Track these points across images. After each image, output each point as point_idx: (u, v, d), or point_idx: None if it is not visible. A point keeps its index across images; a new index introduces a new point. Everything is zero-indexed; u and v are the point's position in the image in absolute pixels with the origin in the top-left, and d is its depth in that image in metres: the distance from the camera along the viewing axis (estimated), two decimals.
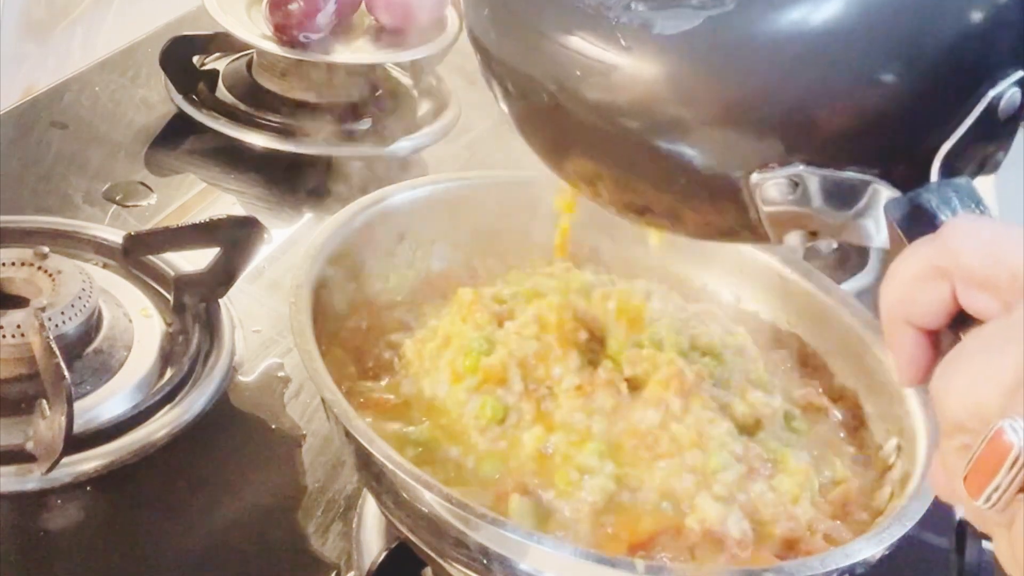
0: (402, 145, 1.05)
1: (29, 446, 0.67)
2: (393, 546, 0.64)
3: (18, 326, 0.70)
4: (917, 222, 0.45)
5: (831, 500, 0.60)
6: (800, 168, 0.47)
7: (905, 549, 0.54)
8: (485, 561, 0.53)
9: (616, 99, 0.49)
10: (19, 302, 0.74)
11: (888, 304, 0.42)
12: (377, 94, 1.10)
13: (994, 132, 0.47)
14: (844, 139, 0.47)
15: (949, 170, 0.46)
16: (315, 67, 1.07)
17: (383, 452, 0.53)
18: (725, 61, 0.47)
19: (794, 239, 0.50)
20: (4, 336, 0.70)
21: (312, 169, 1.02)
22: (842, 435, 0.66)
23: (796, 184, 0.47)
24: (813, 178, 0.47)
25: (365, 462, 0.56)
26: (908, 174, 0.46)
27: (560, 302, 0.63)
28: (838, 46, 0.45)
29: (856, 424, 0.66)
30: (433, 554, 0.57)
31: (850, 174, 0.47)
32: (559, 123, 0.52)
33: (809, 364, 0.70)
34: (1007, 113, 0.46)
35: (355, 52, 1.07)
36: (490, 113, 1.13)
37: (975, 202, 0.45)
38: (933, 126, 0.46)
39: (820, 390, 0.68)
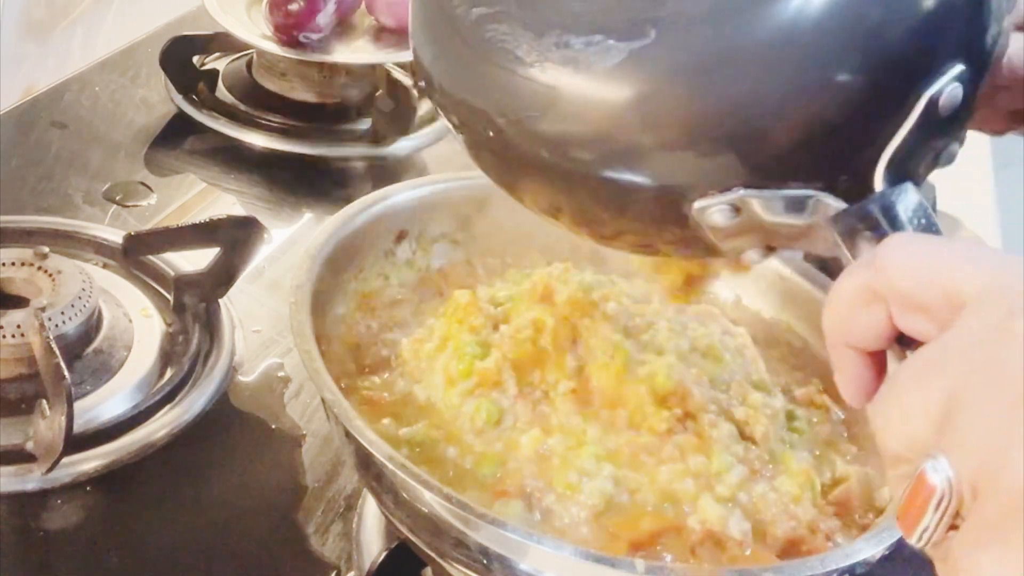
0: (402, 145, 1.05)
1: (29, 446, 0.67)
2: (393, 546, 0.64)
3: (18, 326, 0.70)
4: (859, 236, 0.44)
5: (833, 500, 0.60)
6: (740, 192, 0.46)
7: (905, 549, 0.54)
8: (485, 561, 0.53)
9: (546, 132, 0.48)
10: (19, 302, 0.74)
11: (828, 327, 0.41)
12: (377, 94, 1.10)
13: (940, 129, 0.45)
14: (779, 158, 0.45)
15: (898, 173, 0.45)
16: (315, 67, 1.07)
17: (383, 452, 0.53)
18: (648, 94, 0.46)
19: (753, 256, 0.50)
20: (4, 336, 0.70)
21: (312, 169, 1.02)
22: (844, 434, 0.65)
23: (738, 208, 0.46)
24: (754, 200, 0.46)
25: (365, 462, 0.56)
26: (854, 183, 0.45)
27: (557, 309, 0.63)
28: (759, 69, 0.44)
29: (858, 422, 0.66)
30: (433, 554, 0.57)
31: (791, 191, 0.46)
32: (500, 154, 0.51)
33: (810, 363, 0.70)
34: (949, 109, 0.44)
35: (355, 52, 1.07)
36: None
37: (919, 212, 0.44)
38: (871, 133, 0.45)
39: (821, 388, 0.68)
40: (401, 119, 1.05)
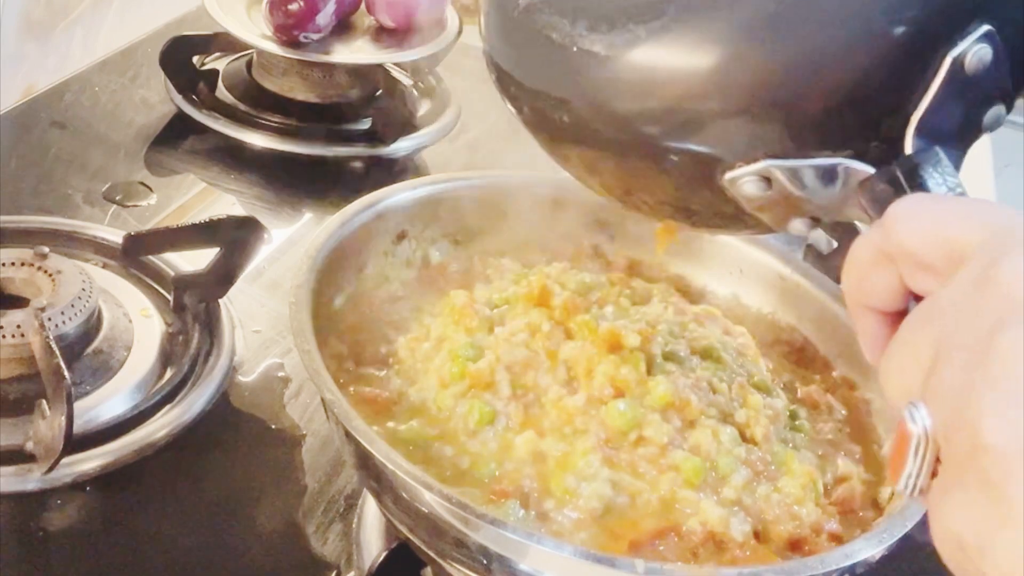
0: (402, 145, 1.05)
1: (29, 446, 0.67)
2: (393, 546, 0.64)
3: (18, 326, 0.70)
4: (885, 201, 0.44)
5: (835, 500, 0.60)
6: (767, 163, 0.47)
7: (905, 549, 0.54)
8: (485, 561, 0.53)
9: (583, 111, 0.51)
10: (19, 302, 0.74)
11: (846, 290, 0.42)
12: (377, 94, 1.10)
13: (970, 92, 0.45)
14: (803, 126, 0.46)
15: (930, 138, 0.45)
16: (315, 67, 1.07)
17: (383, 452, 0.53)
18: (667, 68, 0.47)
19: (798, 226, 0.50)
20: (4, 336, 0.70)
21: (312, 169, 1.02)
22: (847, 432, 0.65)
23: (767, 179, 0.47)
24: (782, 171, 0.47)
25: (365, 462, 0.56)
26: (885, 149, 0.45)
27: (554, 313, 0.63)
28: (778, 37, 0.45)
29: (860, 421, 0.66)
30: (433, 554, 0.57)
31: (819, 160, 0.46)
32: (559, 130, 0.53)
33: (811, 361, 0.70)
34: (977, 70, 0.44)
35: (355, 52, 1.07)
36: (490, 113, 1.13)
37: (945, 174, 0.44)
38: (897, 98, 0.45)
39: (823, 387, 0.68)
40: (401, 119, 1.05)
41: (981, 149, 1.26)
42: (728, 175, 0.48)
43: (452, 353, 0.62)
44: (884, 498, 0.61)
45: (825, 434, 0.65)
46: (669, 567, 0.51)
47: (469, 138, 1.11)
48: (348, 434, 0.54)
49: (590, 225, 0.73)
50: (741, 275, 0.74)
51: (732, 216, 0.51)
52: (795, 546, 0.57)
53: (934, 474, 0.35)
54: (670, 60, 0.47)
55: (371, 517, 0.69)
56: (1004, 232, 0.35)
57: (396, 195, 0.72)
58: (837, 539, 0.57)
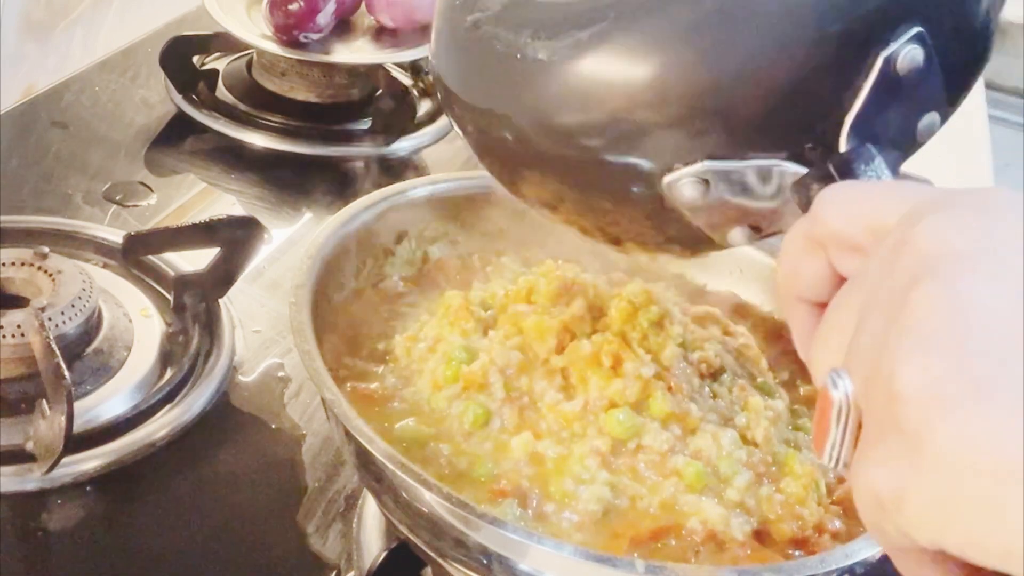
0: (402, 145, 1.05)
1: (29, 446, 0.67)
2: (393, 546, 0.64)
3: (18, 326, 0.70)
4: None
5: (838, 499, 0.60)
6: (704, 164, 0.47)
7: None
8: (485, 561, 0.53)
9: (526, 125, 0.51)
10: (19, 302, 0.74)
11: (780, 282, 0.42)
12: (377, 94, 1.10)
13: (904, 94, 0.46)
14: (740, 126, 0.46)
15: (866, 139, 0.45)
16: (315, 67, 1.07)
17: (383, 452, 0.53)
18: (608, 71, 0.48)
19: (738, 236, 0.50)
20: (4, 336, 0.70)
21: (312, 169, 1.02)
22: None
23: (706, 181, 0.47)
24: (720, 172, 0.47)
25: (365, 462, 0.56)
26: (819, 150, 0.46)
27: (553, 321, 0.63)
28: (712, 39, 0.46)
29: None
30: (433, 554, 0.57)
31: (756, 161, 0.47)
32: (504, 151, 0.53)
33: None
34: (909, 71, 0.45)
35: (355, 52, 1.07)
36: None
37: (876, 170, 0.45)
38: (830, 98, 0.45)
39: None
40: (401, 119, 1.05)
41: (981, 149, 1.26)
42: (667, 178, 0.48)
43: (446, 355, 0.62)
44: None
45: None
46: (669, 567, 0.51)
47: None
48: (348, 434, 0.54)
49: None
50: (741, 275, 0.74)
51: (679, 234, 0.51)
52: (798, 546, 0.56)
53: (855, 444, 0.34)
54: (611, 64, 0.48)
55: (371, 517, 0.69)
56: (922, 203, 0.35)
57: (396, 195, 0.72)
58: (840, 538, 0.57)
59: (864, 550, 0.53)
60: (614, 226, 0.54)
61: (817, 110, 0.46)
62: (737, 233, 0.50)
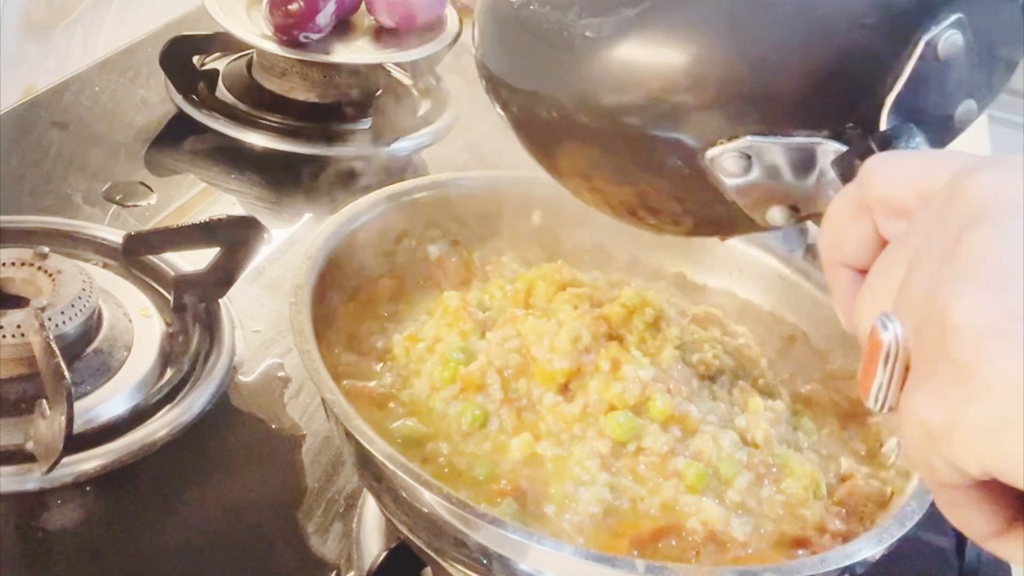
0: (402, 145, 1.05)
1: (29, 446, 0.67)
2: (393, 546, 0.64)
3: (18, 326, 0.70)
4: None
5: (839, 498, 0.60)
6: (748, 139, 0.48)
7: (905, 549, 0.54)
8: (485, 561, 0.53)
9: (571, 103, 0.52)
10: (19, 302, 0.74)
11: (823, 249, 0.43)
12: (377, 94, 1.10)
13: (943, 77, 0.47)
14: (784, 104, 0.47)
15: (906, 119, 0.46)
16: (315, 67, 1.07)
17: (383, 452, 0.53)
18: (655, 48, 0.49)
19: (776, 216, 0.51)
20: (4, 336, 0.70)
21: (312, 169, 1.02)
22: (850, 429, 0.65)
23: (748, 156, 0.48)
24: (763, 148, 0.48)
25: (365, 462, 0.56)
26: (860, 129, 0.47)
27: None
28: (761, 16, 0.47)
29: (862, 419, 0.66)
30: (433, 554, 0.57)
31: (798, 139, 0.48)
32: (548, 130, 0.54)
33: (813, 359, 0.70)
34: (950, 55, 0.46)
35: (355, 52, 1.07)
36: (490, 113, 1.13)
37: (917, 146, 0.46)
38: (872, 79, 0.46)
39: (825, 385, 0.68)
40: (401, 119, 1.05)
41: (981, 149, 1.26)
42: (710, 152, 0.49)
43: (443, 356, 0.62)
44: (887, 494, 0.60)
45: (829, 432, 0.64)
46: (669, 567, 0.51)
47: (469, 138, 1.11)
48: (348, 434, 0.54)
49: (593, 225, 0.73)
50: (741, 275, 0.74)
51: (717, 213, 0.52)
52: (800, 546, 0.56)
53: (903, 389, 0.36)
54: (657, 41, 0.49)
55: (371, 517, 0.69)
56: (970, 165, 0.36)
57: (396, 195, 0.72)
58: (842, 538, 0.57)
59: (864, 550, 0.53)
60: (650, 203, 0.54)
61: (859, 91, 0.47)
62: (776, 212, 0.51)
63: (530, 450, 0.58)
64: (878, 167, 0.40)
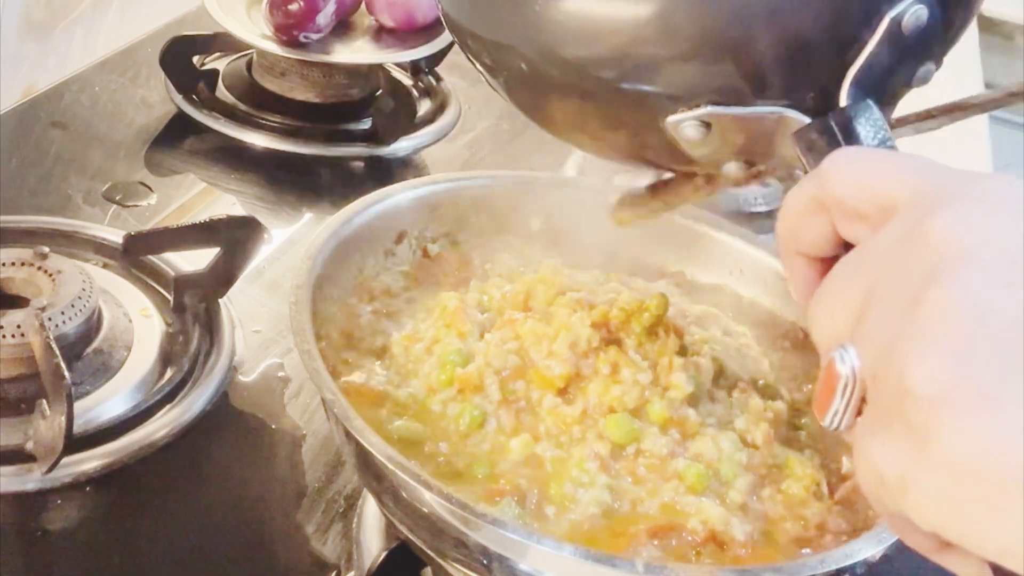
0: (402, 145, 1.05)
1: (29, 446, 0.67)
2: (393, 546, 0.64)
3: (18, 326, 0.70)
4: (818, 151, 0.46)
5: (840, 499, 0.60)
6: (708, 109, 0.48)
7: (905, 549, 0.54)
8: (485, 561, 0.53)
9: (536, 57, 0.52)
10: (19, 302, 0.74)
11: (779, 235, 0.44)
12: (377, 94, 1.10)
13: (906, 50, 0.47)
14: (744, 76, 0.48)
15: (863, 91, 0.47)
16: (315, 67, 1.07)
17: (383, 452, 0.53)
18: (614, 8, 0.49)
19: (733, 169, 0.52)
20: (4, 336, 0.70)
21: (312, 169, 1.02)
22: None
23: (708, 124, 0.49)
24: (722, 117, 0.48)
25: (365, 462, 0.56)
26: (820, 100, 0.47)
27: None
28: None
29: None
30: (433, 554, 0.57)
31: (758, 108, 0.48)
32: (518, 78, 0.54)
33: (813, 359, 0.70)
34: (913, 30, 0.46)
35: (355, 52, 1.07)
36: (490, 113, 1.13)
37: (877, 127, 0.46)
38: (836, 51, 0.47)
39: None
40: (401, 119, 1.05)
41: (981, 149, 1.26)
42: (671, 119, 0.49)
43: (441, 358, 0.62)
44: None
45: (829, 432, 0.64)
46: (669, 567, 0.51)
47: (469, 138, 1.11)
48: (348, 434, 0.54)
49: (593, 224, 0.73)
50: (741, 275, 0.74)
51: (676, 161, 0.53)
52: (801, 546, 0.56)
53: (859, 412, 0.37)
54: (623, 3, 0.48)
55: (371, 517, 0.69)
56: (935, 186, 0.36)
57: (396, 195, 0.72)
58: (843, 538, 0.57)
59: (864, 550, 0.53)
60: (635, 149, 0.55)
61: (822, 62, 0.47)
62: (732, 166, 0.52)
63: (529, 450, 0.58)
64: (838, 169, 0.40)
